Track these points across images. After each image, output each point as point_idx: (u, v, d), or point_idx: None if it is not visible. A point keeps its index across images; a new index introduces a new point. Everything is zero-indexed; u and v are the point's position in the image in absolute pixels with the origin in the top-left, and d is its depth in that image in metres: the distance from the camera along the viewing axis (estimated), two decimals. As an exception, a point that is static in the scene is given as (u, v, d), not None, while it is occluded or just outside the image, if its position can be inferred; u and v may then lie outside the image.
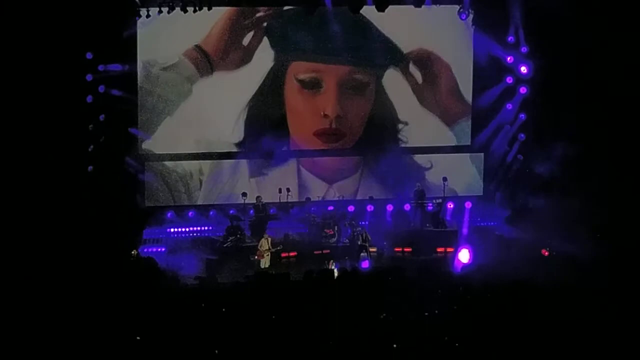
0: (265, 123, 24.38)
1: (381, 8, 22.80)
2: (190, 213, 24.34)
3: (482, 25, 24.85)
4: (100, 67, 23.03)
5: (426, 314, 15.25)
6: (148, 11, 22.74)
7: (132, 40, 23.34)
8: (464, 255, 21.15)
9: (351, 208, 24.57)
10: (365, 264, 21.61)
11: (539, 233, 22.04)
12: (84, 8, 21.85)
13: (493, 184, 25.90)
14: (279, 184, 24.27)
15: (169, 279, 18.93)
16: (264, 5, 24.18)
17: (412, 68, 25.13)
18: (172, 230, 24.00)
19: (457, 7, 24.01)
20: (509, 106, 25.58)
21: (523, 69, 25.19)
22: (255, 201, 23.71)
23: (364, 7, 23.43)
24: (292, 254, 22.82)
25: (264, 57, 24.41)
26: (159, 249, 22.77)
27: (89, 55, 22.79)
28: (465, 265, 20.84)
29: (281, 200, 24.19)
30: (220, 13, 23.91)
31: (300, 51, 24.48)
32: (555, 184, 23.85)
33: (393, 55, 24.93)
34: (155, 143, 24.13)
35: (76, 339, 13.65)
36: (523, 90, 25.42)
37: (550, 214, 22.19)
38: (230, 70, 24.23)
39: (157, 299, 15.86)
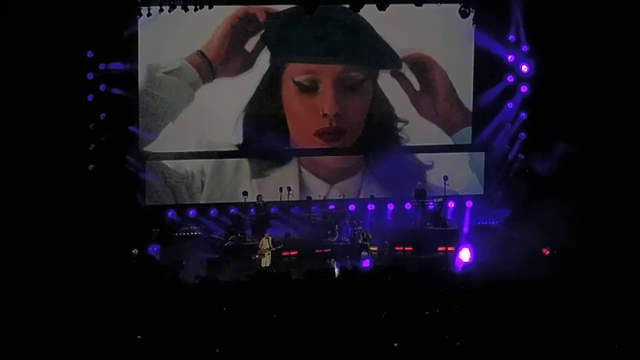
0: (265, 126, 24.37)
1: (382, 7, 22.76)
2: (191, 212, 24.34)
3: (483, 24, 24.82)
4: (101, 66, 23.03)
5: (427, 312, 15.26)
6: (149, 10, 22.70)
7: (133, 39, 23.34)
8: (464, 254, 21.15)
9: (352, 207, 24.57)
10: (366, 263, 21.60)
11: (540, 232, 22.05)
12: (84, 6, 21.86)
13: (494, 183, 25.89)
14: (280, 185, 24.27)
15: (169, 278, 18.96)
16: (264, 3, 24.18)
17: (408, 74, 25.11)
18: (172, 229, 24.00)
19: (457, 5, 23.97)
20: (510, 105, 25.56)
21: (524, 68, 25.18)
22: (256, 200, 23.71)
23: (364, 5, 23.40)
24: (292, 253, 22.83)
25: (262, 61, 24.44)
26: (159, 248, 22.74)
27: (89, 54, 22.79)
28: (465, 264, 20.84)
29: (282, 200, 24.20)
30: (222, 18, 23.92)
31: (296, 53, 24.49)
32: (555, 183, 23.84)
33: (389, 58, 24.89)
34: (157, 146, 24.12)
35: (78, 337, 13.66)
36: (524, 89, 25.40)
37: (550, 213, 22.19)
38: (231, 76, 24.26)
39: (158, 298, 15.88)
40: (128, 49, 23.28)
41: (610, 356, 13.47)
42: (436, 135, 25.47)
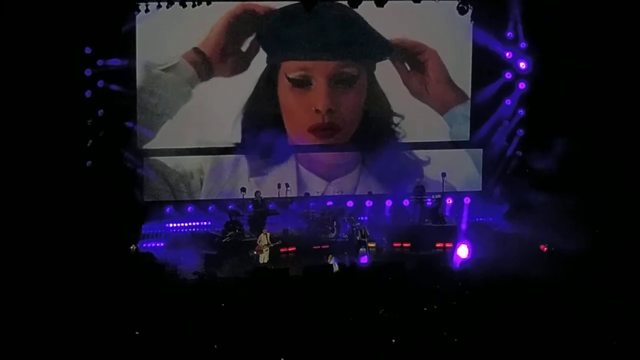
0: (263, 124, 24.36)
1: (380, 3, 22.75)
2: (189, 208, 24.35)
3: (481, 20, 24.84)
4: (99, 62, 23.01)
5: (425, 309, 15.26)
6: (147, 5, 22.72)
7: (131, 35, 23.32)
8: (462, 251, 21.13)
9: (350, 203, 24.57)
10: (364, 259, 21.61)
11: (538, 229, 22.06)
12: (82, 2, 21.83)
13: (492, 180, 25.90)
14: (278, 183, 24.28)
15: (167, 274, 18.96)
16: (262, 0, 24.17)
17: (401, 58, 25.10)
18: (170, 225, 24.01)
19: (455, 2, 23.96)
20: (508, 102, 25.58)
21: (522, 65, 25.18)
22: (254, 196, 23.71)
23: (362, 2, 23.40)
24: (291, 249, 22.83)
25: (258, 61, 24.46)
26: (158, 244, 22.75)
27: (87, 50, 22.76)
28: (464, 261, 20.83)
29: (280, 196, 24.21)
30: (220, 14, 23.90)
31: (290, 50, 24.50)
32: (554, 180, 23.84)
33: (383, 49, 24.89)
34: (155, 144, 24.12)
35: (75, 333, 13.66)
36: (522, 85, 25.40)
37: (549, 209, 22.21)
38: (227, 76, 24.27)
39: (156, 294, 15.87)
40: (126, 45, 23.26)
41: (609, 353, 13.48)
42: (430, 119, 25.41)
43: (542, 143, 24.25)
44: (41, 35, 21.58)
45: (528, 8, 24.48)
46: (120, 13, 22.86)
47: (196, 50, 23.94)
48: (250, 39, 24.34)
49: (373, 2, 22.07)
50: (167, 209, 24.13)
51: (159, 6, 22.55)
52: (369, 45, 24.79)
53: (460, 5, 23.69)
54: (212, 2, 22.69)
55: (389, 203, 24.90)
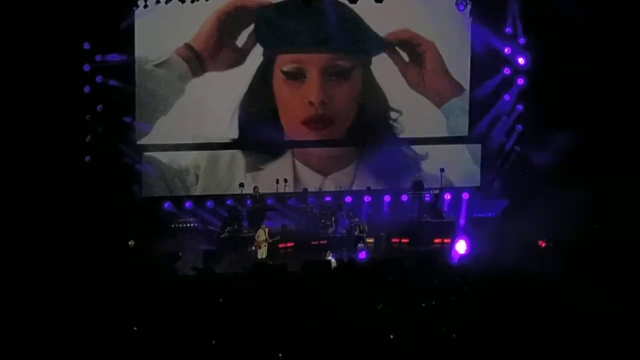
0: (259, 119, 24.39)
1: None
2: (187, 204, 24.34)
3: (480, 16, 24.85)
4: (98, 58, 23.00)
5: (423, 304, 15.26)
6: (146, 1, 22.75)
7: (130, 30, 23.30)
8: (461, 246, 21.16)
9: (348, 199, 24.58)
10: (362, 255, 21.63)
11: (536, 224, 22.07)
12: (81, -3, 21.89)
13: (490, 175, 25.91)
14: (275, 178, 24.29)
15: (166, 269, 18.95)
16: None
17: (399, 50, 25.07)
18: (169, 220, 24.01)
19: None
20: (507, 97, 25.60)
21: (520, 60, 25.21)
22: (252, 192, 23.72)
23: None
24: (289, 244, 22.86)
25: (254, 55, 24.45)
26: (156, 239, 22.74)
27: (86, 46, 22.75)
28: (462, 256, 20.85)
29: (278, 191, 24.21)
30: (210, 10, 23.85)
31: (286, 44, 24.48)
32: (552, 175, 23.86)
33: (379, 44, 24.89)
34: (151, 139, 24.10)
35: (73, 328, 13.66)
36: (520, 81, 25.44)
37: (547, 205, 22.22)
38: (221, 70, 24.25)
39: (155, 290, 15.87)
40: (125, 40, 23.24)
41: (607, 349, 13.48)
42: (428, 113, 25.40)
43: (541, 139, 24.26)
44: (40, 30, 21.56)
45: (526, 4, 24.52)
46: (119, 8, 22.84)
47: (187, 46, 23.90)
48: (247, 32, 24.30)
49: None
50: (166, 204, 24.13)
51: (158, 2, 22.58)
52: (365, 40, 24.77)
53: (459, 1, 23.68)
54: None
55: (387, 198, 24.93)
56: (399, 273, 17.66)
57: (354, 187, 25.31)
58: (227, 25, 24.09)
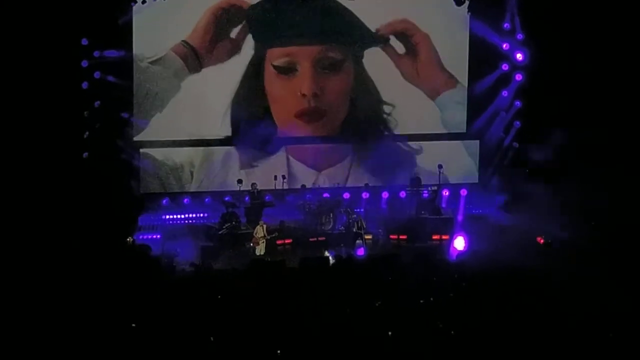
0: (251, 116, 24.34)
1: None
2: (185, 200, 24.33)
3: (478, 12, 24.84)
4: (96, 53, 22.97)
5: (421, 301, 15.26)
6: (144, -4, 22.82)
7: (128, 26, 23.27)
8: (459, 243, 21.16)
9: (346, 195, 24.57)
10: (360, 251, 21.60)
11: (534, 220, 22.08)
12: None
13: (488, 171, 25.91)
14: (269, 174, 24.28)
15: (164, 266, 18.95)
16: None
17: (392, 42, 25.03)
18: (167, 217, 24.00)
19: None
20: (505, 93, 25.60)
21: (519, 56, 25.20)
22: (250, 188, 23.70)
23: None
24: (287, 241, 22.79)
25: (247, 47, 24.40)
26: (154, 236, 22.73)
27: (84, 42, 22.72)
28: (460, 253, 20.86)
29: (276, 188, 24.20)
30: (206, 6, 23.85)
31: (277, 37, 24.40)
32: (550, 172, 23.87)
33: (372, 36, 24.85)
34: (147, 136, 24.05)
35: (71, 325, 13.65)
36: (519, 77, 25.43)
37: (545, 201, 22.22)
38: (221, 62, 24.19)
39: (153, 286, 15.87)
40: (123, 36, 23.21)
41: (606, 345, 13.49)
42: (425, 117, 25.40)
43: (539, 135, 24.27)
44: (38, 26, 21.53)
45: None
46: (117, 4, 22.82)
47: (184, 42, 23.86)
48: (239, 25, 24.23)
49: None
50: (164, 201, 24.11)
51: (156, -3, 22.60)
52: (358, 33, 24.73)
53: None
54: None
55: (385, 195, 24.91)
56: (397, 269, 17.66)
57: (349, 182, 25.27)
58: (222, 19, 24.04)
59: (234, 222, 22.69)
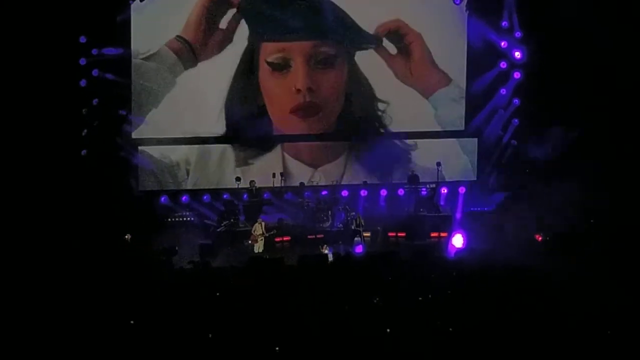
0: (247, 114, 24.34)
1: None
2: (184, 198, 24.34)
3: (476, 10, 24.85)
4: (94, 51, 22.98)
5: (420, 298, 15.27)
6: (142, -5, 22.84)
7: (126, 24, 23.28)
8: (457, 240, 21.15)
9: (345, 193, 24.58)
10: (358, 249, 21.62)
11: (533, 218, 22.08)
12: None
13: (487, 169, 25.91)
14: (265, 172, 24.29)
15: (163, 263, 18.95)
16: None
17: (385, 43, 25.04)
18: (166, 214, 24.01)
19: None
20: (503, 91, 25.61)
21: (517, 54, 25.22)
22: (249, 186, 23.71)
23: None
24: (285, 238, 22.82)
25: (240, 39, 24.38)
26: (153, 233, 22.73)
27: (82, 39, 22.72)
28: (458, 250, 20.86)
29: (274, 185, 24.19)
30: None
31: (269, 32, 24.39)
32: (548, 169, 23.87)
33: (366, 37, 24.88)
34: (143, 133, 24.07)
35: (69, 322, 13.66)
36: (517, 75, 25.45)
37: (543, 199, 22.23)
38: (215, 54, 24.20)
39: (151, 284, 15.87)
40: (121, 34, 23.22)
41: (604, 342, 13.50)
42: (419, 114, 25.38)
43: (537, 132, 24.27)
44: (36, 24, 21.54)
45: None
46: (115, 2, 22.82)
47: (177, 37, 23.88)
48: (230, 14, 24.22)
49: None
50: (162, 198, 24.12)
51: (154, -5, 22.62)
52: (352, 34, 24.74)
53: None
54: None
55: (383, 192, 24.92)
56: (396, 267, 17.68)
57: (345, 179, 25.28)
58: (212, 11, 24.04)
59: (232, 220, 22.71)
